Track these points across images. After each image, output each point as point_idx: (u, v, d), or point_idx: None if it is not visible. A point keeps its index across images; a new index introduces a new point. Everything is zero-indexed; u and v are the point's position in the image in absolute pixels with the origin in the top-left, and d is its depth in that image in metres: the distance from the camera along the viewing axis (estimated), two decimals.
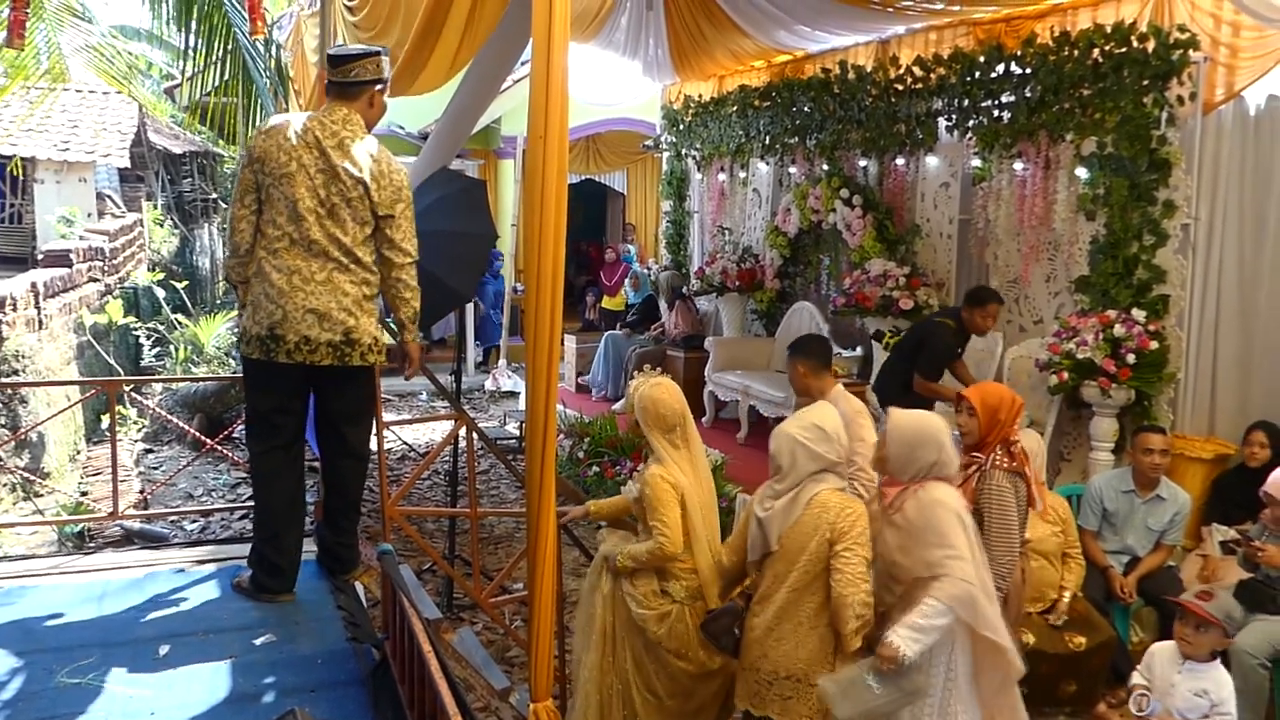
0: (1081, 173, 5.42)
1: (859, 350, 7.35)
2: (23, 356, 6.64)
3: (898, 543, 3.00)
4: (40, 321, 7.26)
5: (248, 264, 3.66)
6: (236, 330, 3.79)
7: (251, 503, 4.21)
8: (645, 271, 11.45)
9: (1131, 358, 4.97)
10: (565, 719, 3.66)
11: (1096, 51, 5.23)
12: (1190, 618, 3.38)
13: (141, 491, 6.46)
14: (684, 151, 9.71)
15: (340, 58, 3.74)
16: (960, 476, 3.29)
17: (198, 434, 6.22)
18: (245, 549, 4.59)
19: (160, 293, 10.74)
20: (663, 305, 9.97)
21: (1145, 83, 5.03)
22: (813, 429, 3.13)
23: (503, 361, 11.68)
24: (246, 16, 6.60)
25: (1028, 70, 5.65)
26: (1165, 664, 3.44)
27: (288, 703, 2.97)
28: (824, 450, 3.10)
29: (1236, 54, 4.99)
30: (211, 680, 3.19)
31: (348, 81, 3.68)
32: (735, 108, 8.50)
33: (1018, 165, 5.82)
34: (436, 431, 9.09)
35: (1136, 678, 3.51)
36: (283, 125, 3.61)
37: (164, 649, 3.40)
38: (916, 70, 6.45)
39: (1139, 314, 5.06)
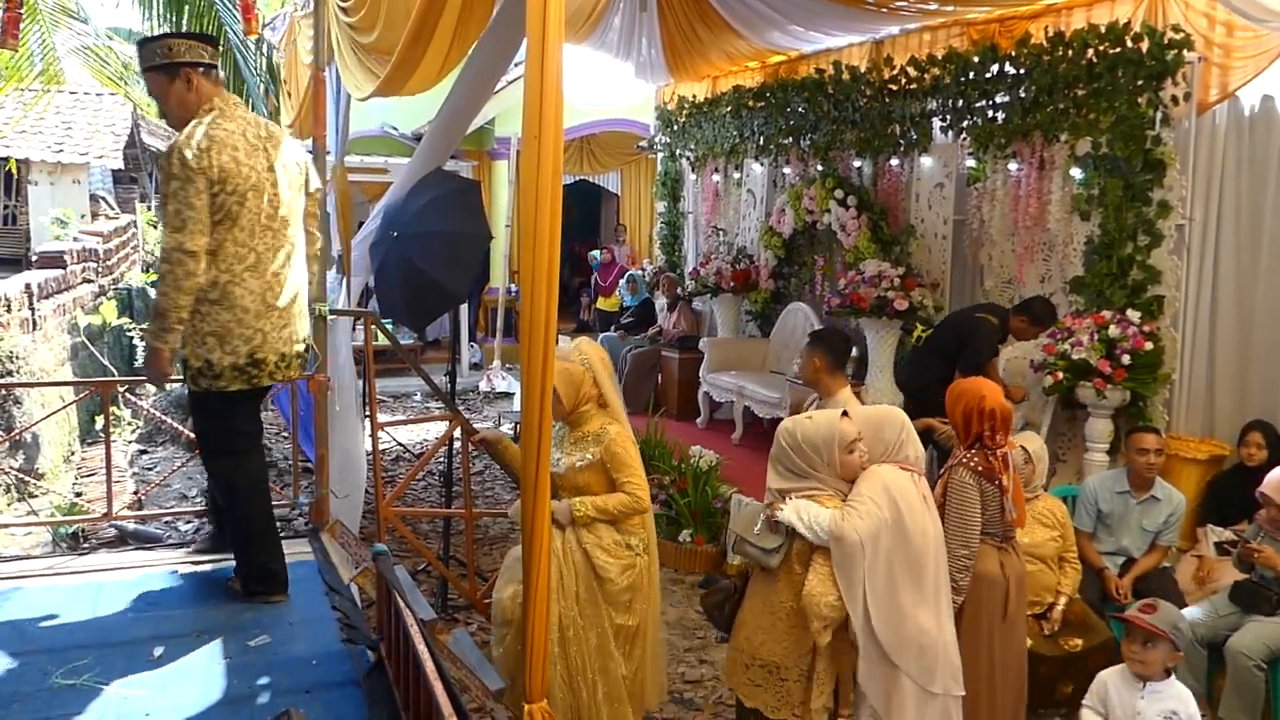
0: (1076, 173, 5.43)
1: (854, 351, 7.34)
2: (17, 357, 6.62)
3: None
4: (34, 323, 7.23)
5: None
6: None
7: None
8: (640, 273, 11.46)
9: (1126, 358, 4.97)
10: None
11: (1091, 52, 5.24)
12: (1137, 633, 3.11)
13: (136, 492, 6.45)
14: (678, 152, 9.70)
15: (203, 36, 3.63)
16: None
17: (192, 435, 6.19)
18: None
19: (154, 294, 10.70)
20: (659, 305, 9.96)
21: (1139, 83, 5.04)
22: (787, 434, 3.14)
23: (497, 362, 11.67)
24: (239, 16, 6.59)
25: (1022, 71, 5.65)
26: (1122, 691, 3.17)
27: (283, 703, 2.98)
28: (797, 458, 3.09)
29: (1230, 54, 5.00)
30: (206, 681, 3.18)
31: (215, 63, 3.56)
32: (729, 108, 8.50)
33: (1012, 166, 5.83)
34: (431, 432, 9.09)
35: (1087, 715, 3.24)
36: (227, 137, 3.39)
37: (158, 650, 3.39)
38: (911, 71, 6.46)
39: (1134, 315, 5.07)
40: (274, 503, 5.99)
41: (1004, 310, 5.44)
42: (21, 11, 5.88)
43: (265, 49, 7.49)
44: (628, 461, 3.43)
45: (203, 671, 3.25)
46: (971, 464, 3.36)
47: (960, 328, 5.43)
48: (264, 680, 3.22)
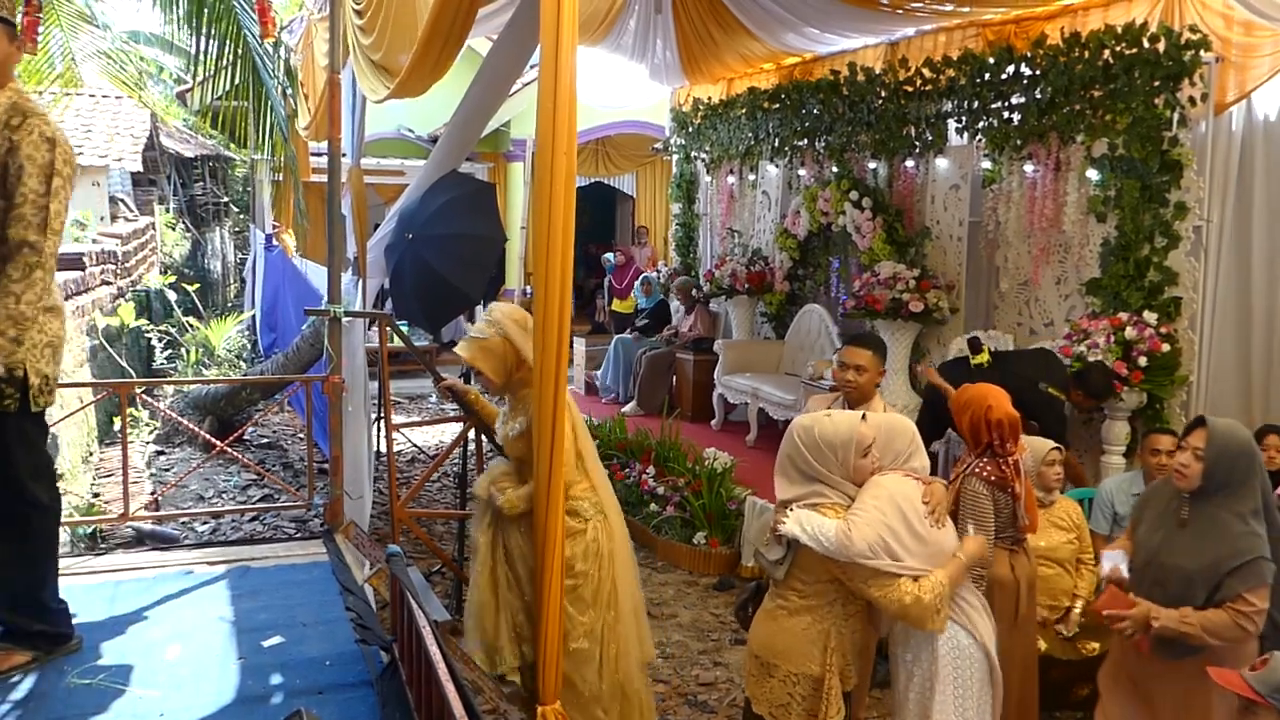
0: (1092, 174, 5.40)
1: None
2: None
3: None
4: None
5: None
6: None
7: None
8: (655, 275, 11.45)
9: (1143, 360, 4.95)
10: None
11: (1107, 53, 5.21)
12: (1233, 694, 2.47)
13: (152, 493, 6.49)
14: (693, 154, 9.70)
15: None
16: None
17: (208, 436, 6.24)
18: (256, 550, 4.61)
19: (172, 295, 10.80)
20: (674, 308, 9.95)
21: (1156, 84, 5.01)
22: (803, 430, 3.02)
23: None
24: (257, 20, 6.62)
25: (1038, 72, 5.63)
26: None
27: (296, 704, 2.99)
28: (812, 457, 2.97)
29: (1248, 54, 4.96)
30: (220, 681, 3.20)
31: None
32: (744, 110, 8.49)
33: (1028, 167, 5.80)
34: (446, 434, 9.11)
35: None
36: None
37: (173, 650, 3.41)
38: (926, 72, 6.44)
39: (1150, 316, 5.04)
40: (290, 504, 6.07)
41: (1063, 374, 4.97)
42: (40, 16, 5.94)
43: (283, 51, 7.52)
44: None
45: (216, 672, 3.27)
46: (984, 473, 3.35)
47: (1029, 402, 4.68)
48: (277, 681, 3.23)
